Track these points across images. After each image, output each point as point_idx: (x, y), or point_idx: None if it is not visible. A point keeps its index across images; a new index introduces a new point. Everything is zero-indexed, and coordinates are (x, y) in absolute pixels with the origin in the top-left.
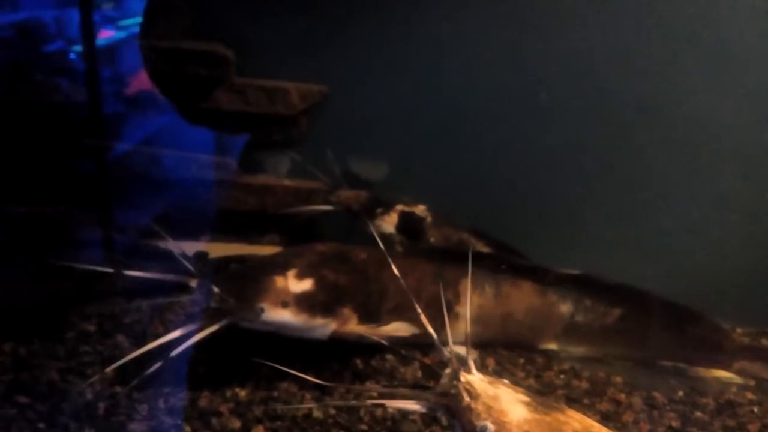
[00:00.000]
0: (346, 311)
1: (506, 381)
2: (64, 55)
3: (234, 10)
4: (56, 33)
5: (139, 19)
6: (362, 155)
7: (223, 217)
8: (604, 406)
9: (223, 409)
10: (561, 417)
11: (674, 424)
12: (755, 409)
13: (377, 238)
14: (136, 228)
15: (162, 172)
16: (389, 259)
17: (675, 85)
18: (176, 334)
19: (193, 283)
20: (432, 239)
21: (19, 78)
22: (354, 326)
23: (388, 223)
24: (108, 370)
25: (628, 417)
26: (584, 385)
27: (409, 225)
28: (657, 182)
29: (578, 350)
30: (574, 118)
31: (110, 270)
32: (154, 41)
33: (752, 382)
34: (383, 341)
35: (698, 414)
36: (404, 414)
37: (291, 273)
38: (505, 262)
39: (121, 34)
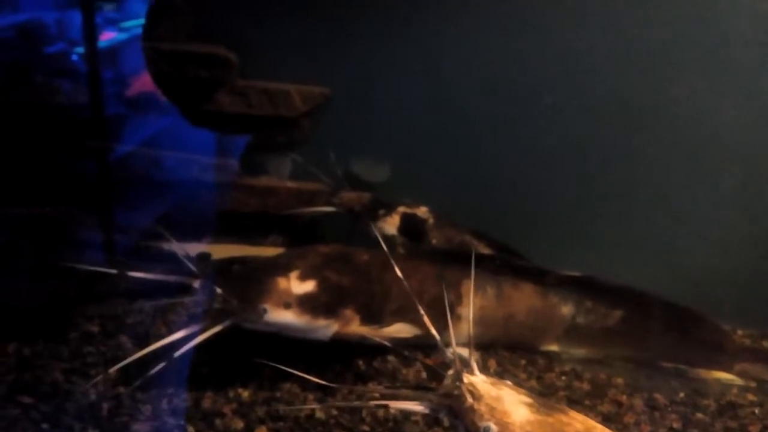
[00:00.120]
0: (349, 312)
1: (509, 382)
2: (65, 57)
3: (236, 13)
4: (58, 34)
5: (140, 21)
6: (364, 157)
7: (226, 219)
8: (606, 407)
9: (226, 409)
10: (563, 418)
11: (675, 425)
12: (756, 411)
13: (380, 240)
14: (138, 229)
15: (164, 174)
16: (392, 261)
17: (675, 85)
18: (179, 335)
19: (196, 284)
20: (434, 241)
21: (20, 79)
22: (356, 327)
23: (390, 225)
24: (111, 370)
25: (629, 418)
26: (585, 386)
27: (410, 226)
28: (657, 182)
29: (579, 352)
30: (574, 118)
31: (113, 271)
32: (156, 43)
33: (753, 384)
34: (385, 342)
35: (699, 415)
36: (406, 415)
37: (293, 274)
38: (506, 264)
39: (123, 36)
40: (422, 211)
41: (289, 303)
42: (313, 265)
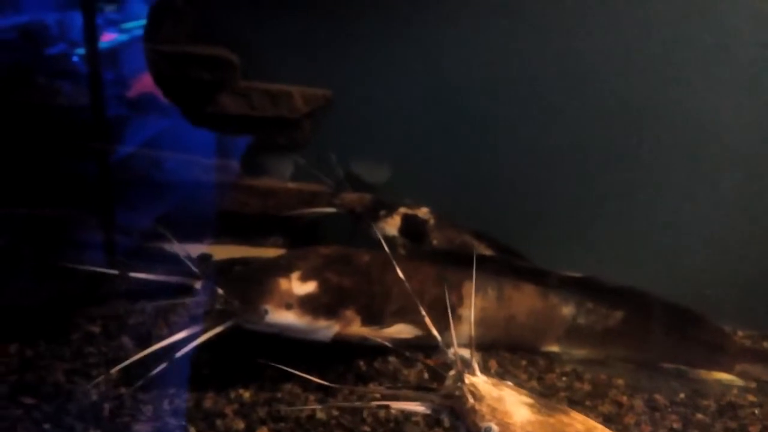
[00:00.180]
0: (350, 313)
1: (510, 383)
2: (66, 58)
3: (238, 14)
4: (59, 36)
5: (141, 22)
6: (365, 158)
7: (227, 220)
8: (606, 408)
9: (228, 410)
10: (564, 419)
11: (676, 426)
12: (756, 411)
13: (381, 241)
14: (139, 230)
15: (165, 175)
16: (393, 261)
17: (675, 85)
18: (181, 335)
19: (197, 285)
20: (435, 241)
21: (21, 80)
22: (357, 328)
23: (391, 226)
24: (113, 371)
25: (629, 419)
26: (586, 387)
27: (412, 227)
28: (657, 182)
29: (580, 352)
30: (574, 119)
31: (114, 272)
32: (158, 45)
33: (753, 385)
34: (386, 343)
35: (700, 416)
36: (407, 415)
37: (295, 275)
38: (507, 265)
39: (124, 37)
40: (423, 212)
41: (291, 304)
42: (314, 266)
